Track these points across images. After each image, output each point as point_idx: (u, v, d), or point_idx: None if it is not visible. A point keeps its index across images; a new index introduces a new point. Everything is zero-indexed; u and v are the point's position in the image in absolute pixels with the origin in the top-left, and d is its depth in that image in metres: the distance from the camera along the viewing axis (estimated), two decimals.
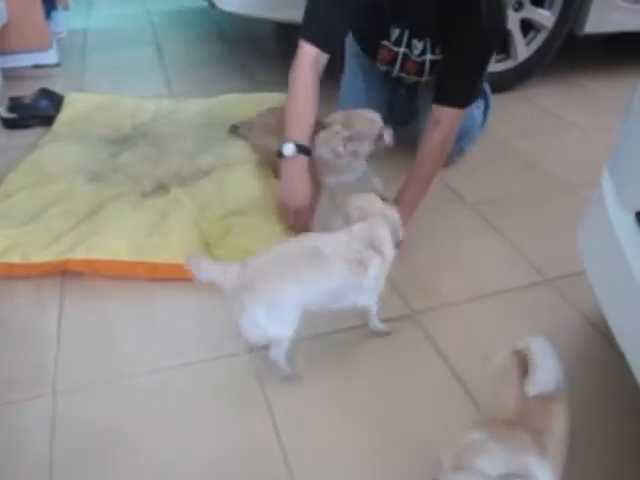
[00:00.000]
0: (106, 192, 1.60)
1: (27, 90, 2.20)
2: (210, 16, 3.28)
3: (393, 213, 1.24)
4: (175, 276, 1.40)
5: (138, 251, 1.40)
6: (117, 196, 1.59)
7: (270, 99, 2.07)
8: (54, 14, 2.84)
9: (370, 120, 1.47)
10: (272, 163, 1.65)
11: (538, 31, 2.35)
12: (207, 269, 1.09)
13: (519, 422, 0.88)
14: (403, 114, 1.96)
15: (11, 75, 2.44)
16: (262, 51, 2.97)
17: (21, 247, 1.39)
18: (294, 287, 1.11)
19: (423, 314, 1.36)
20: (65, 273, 1.42)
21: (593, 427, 1.12)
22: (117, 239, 1.41)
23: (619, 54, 2.80)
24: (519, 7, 2.29)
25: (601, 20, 2.37)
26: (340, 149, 1.41)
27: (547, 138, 2.15)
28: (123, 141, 1.91)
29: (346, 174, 1.50)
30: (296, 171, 1.40)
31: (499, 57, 2.33)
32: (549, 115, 2.32)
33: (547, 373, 0.93)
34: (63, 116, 2.07)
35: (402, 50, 1.66)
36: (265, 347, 1.25)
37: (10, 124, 2.10)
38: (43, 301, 1.37)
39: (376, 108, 1.88)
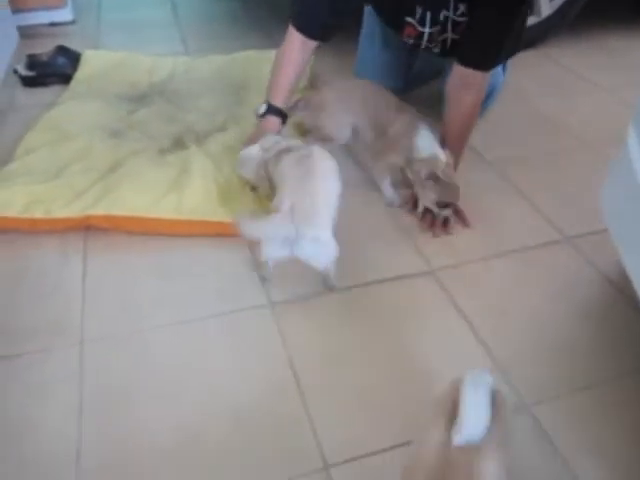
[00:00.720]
0: (124, 149, 1.61)
1: (44, 48, 2.18)
2: None
3: None
4: (194, 232, 1.42)
5: (157, 207, 1.41)
6: (135, 153, 1.59)
7: None
8: None
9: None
10: None
11: None
12: (257, 227, 1.19)
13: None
14: (425, 72, 1.93)
15: (28, 33, 2.42)
16: (278, 8, 2.90)
17: (44, 203, 1.41)
18: (329, 199, 1.23)
19: (442, 271, 1.37)
20: (88, 229, 1.44)
21: (609, 384, 1.13)
22: (136, 195, 1.42)
23: None
24: None
25: None
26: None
27: (569, 96, 2.11)
28: (140, 99, 1.91)
29: None
30: (265, 128, 1.49)
31: None
32: (571, 73, 2.27)
33: (475, 420, 0.79)
34: (80, 74, 2.06)
35: (427, 31, 1.61)
36: (287, 300, 1.28)
37: (28, 82, 2.10)
38: (67, 256, 1.39)
39: (394, 71, 1.87)
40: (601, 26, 2.59)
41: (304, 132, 1.67)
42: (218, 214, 1.42)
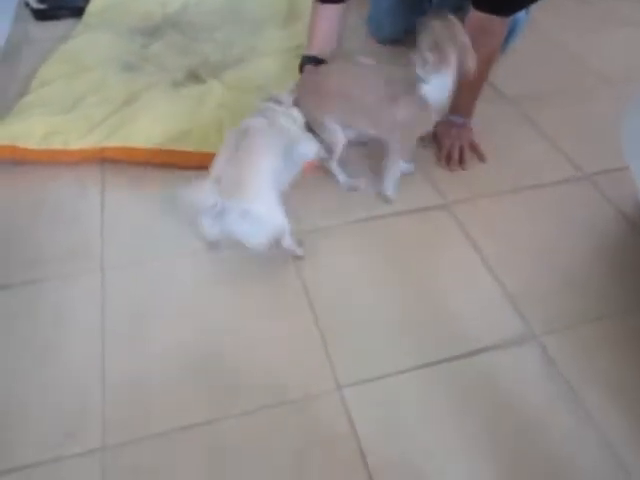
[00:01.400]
0: (139, 81, 1.60)
1: None
2: None
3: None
4: (209, 164, 1.42)
5: (172, 139, 1.41)
6: (150, 85, 1.58)
7: None
8: None
9: None
10: None
11: None
12: (187, 196, 1.10)
13: None
14: (444, 8, 1.87)
15: None
16: None
17: (62, 134, 1.42)
18: (261, 172, 1.12)
19: (457, 204, 1.37)
20: (104, 161, 1.45)
21: (619, 317, 1.15)
22: (152, 127, 1.42)
23: None
24: None
25: None
26: None
27: (594, 33, 2.03)
28: (153, 31, 1.88)
29: None
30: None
31: None
32: (598, 9, 2.18)
33: None
34: (93, 6, 2.02)
35: None
36: (303, 230, 1.29)
37: (40, 15, 2.07)
38: (86, 188, 1.41)
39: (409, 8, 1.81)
40: None
41: None
42: None
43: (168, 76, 1.64)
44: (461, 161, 1.46)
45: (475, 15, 1.35)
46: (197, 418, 0.99)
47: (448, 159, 1.46)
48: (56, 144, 1.41)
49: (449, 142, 1.46)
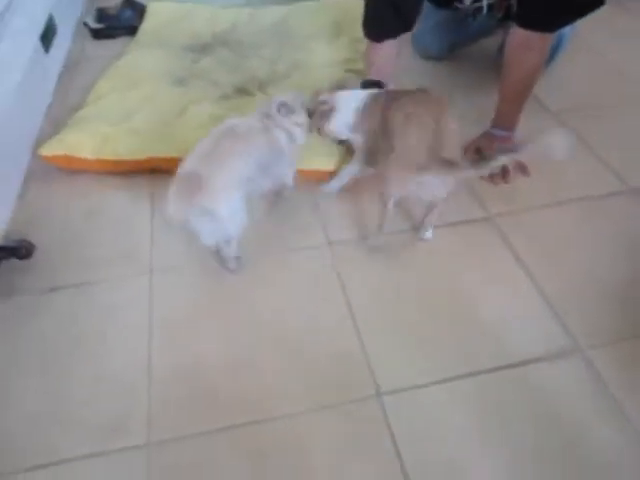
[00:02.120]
0: (189, 96, 1.66)
1: (111, 1, 2.25)
2: None
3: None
4: None
5: None
6: (200, 98, 1.64)
7: (352, 7, 2.02)
8: None
9: None
10: None
11: None
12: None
13: None
14: (483, 27, 1.88)
15: None
16: None
17: (112, 145, 1.48)
18: (229, 175, 1.12)
19: (501, 217, 1.37)
20: (153, 171, 1.51)
21: None
22: (198, 137, 1.46)
23: None
24: None
25: None
26: None
27: (638, 45, 2.01)
28: (203, 48, 1.95)
29: None
30: None
31: None
32: None
33: None
34: (146, 25, 2.11)
35: (486, 2, 1.57)
36: (345, 241, 1.31)
37: (97, 34, 2.17)
38: (136, 195, 1.47)
39: (447, 34, 1.82)
40: None
41: None
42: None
43: (217, 91, 1.69)
44: (504, 175, 1.45)
45: (518, 32, 1.36)
46: (240, 419, 1.02)
47: (491, 173, 1.46)
48: (108, 154, 1.48)
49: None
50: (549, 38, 1.38)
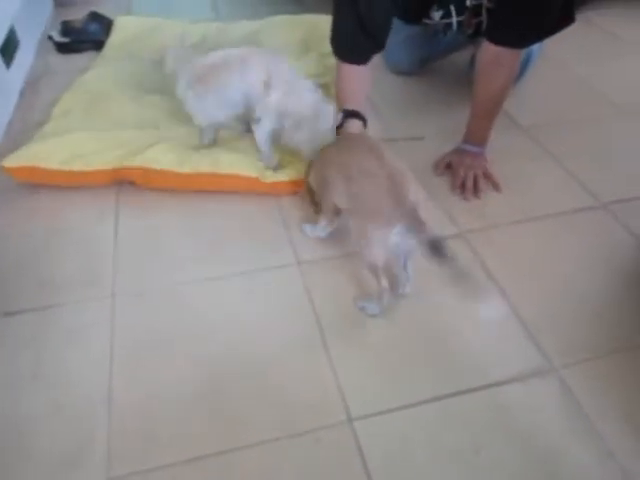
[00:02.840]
0: (158, 108, 1.63)
1: (77, 15, 2.20)
2: None
3: None
4: (225, 188, 1.44)
5: (187, 162, 1.43)
6: (169, 112, 1.61)
7: (321, 22, 2.01)
8: None
9: None
10: None
11: None
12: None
13: None
14: (454, 42, 1.89)
15: (62, 0, 2.44)
16: None
17: (81, 157, 1.44)
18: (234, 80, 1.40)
19: (472, 233, 1.35)
20: (120, 187, 1.47)
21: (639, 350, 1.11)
22: (170, 150, 1.44)
23: None
24: None
25: None
26: None
27: (608, 62, 2.03)
28: None
29: None
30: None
31: None
32: (611, 37, 2.19)
33: None
34: (113, 39, 2.07)
35: (455, 20, 1.58)
36: (314, 260, 1.28)
37: (63, 48, 2.12)
38: (101, 212, 1.42)
39: (418, 48, 1.83)
40: None
41: None
42: (253, 169, 1.43)
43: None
44: (475, 190, 1.44)
45: (489, 48, 1.36)
46: (205, 450, 0.97)
47: (462, 188, 1.45)
48: (75, 166, 1.43)
49: (463, 171, 1.46)
50: (519, 54, 1.39)
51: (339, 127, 1.35)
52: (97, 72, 1.84)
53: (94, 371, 1.08)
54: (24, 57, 1.97)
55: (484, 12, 1.53)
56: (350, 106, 1.37)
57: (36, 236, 1.36)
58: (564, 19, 1.30)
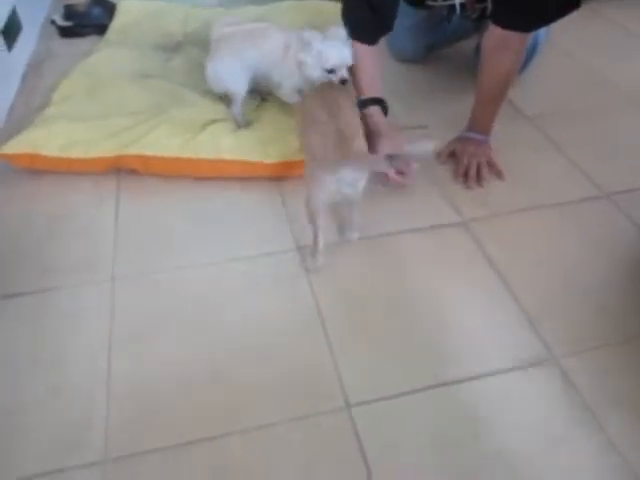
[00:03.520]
0: (159, 94, 1.61)
1: None
2: None
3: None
4: (224, 174, 1.43)
5: (189, 147, 1.42)
6: (170, 98, 1.59)
7: (325, 8, 2.00)
8: None
9: None
10: None
11: None
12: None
13: None
14: (459, 30, 1.87)
15: None
16: None
17: (81, 144, 1.43)
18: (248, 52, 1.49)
19: (475, 222, 1.34)
20: (120, 171, 1.46)
21: None
22: (171, 136, 1.43)
23: None
24: None
25: None
26: None
27: (615, 53, 2.01)
28: (175, 48, 1.90)
29: None
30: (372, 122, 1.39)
31: None
32: (620, 29, 2.16)
33: None
34: (116, 23, 2.06)
35: (458, 1, 1.56)
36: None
37: (66, 32, 2.11)
38: (101, 198, 1.42)
39: (423, 35, 1.80)
40: None
41: None
42: (254, 154, 1.43)
43: (187, 90, 1.64)
44: (479, 178, 1.43)
45: (495, 31, 1.34)
46: (202, 433, 0.97)
47: (465, 176, 1.43)
48: (75, 153, 1.42)
49: (467, 159, 1.44)
50: (525, 38, 1.37)
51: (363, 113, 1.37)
52: (99, 56, 1.83)
53: (93, 354, 1.08)
54: (27, 41, 1.95)
55: None
56: (371, 93, 1.40)
57: (36, 220, 1.35)
58: (570, 3, 1.28)
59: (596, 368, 1.05)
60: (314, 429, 0.97)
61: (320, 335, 1.11)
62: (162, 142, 1.43)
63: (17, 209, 1.39)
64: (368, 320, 1.14)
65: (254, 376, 1.05)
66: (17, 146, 1.43)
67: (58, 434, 0.97)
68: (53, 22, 2.12)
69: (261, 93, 1.62)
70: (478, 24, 1.71)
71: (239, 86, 1.51)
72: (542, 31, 1.76)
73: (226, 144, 1.44)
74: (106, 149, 1.42)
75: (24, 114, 1.65)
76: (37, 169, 1.45)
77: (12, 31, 1.81)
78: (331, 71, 1.38)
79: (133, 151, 1.41)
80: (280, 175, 1.44)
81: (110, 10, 2.13)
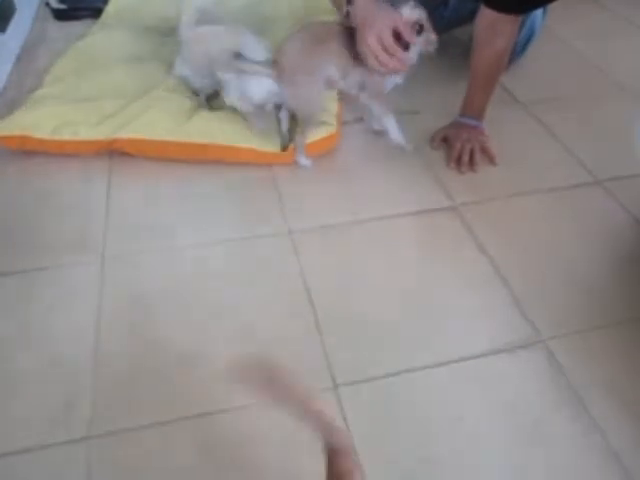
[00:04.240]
0: (152, 77, 1.61)
1: None
2: None
3: None
4: (216, 157, 1.43)
5: (182, 130, 1.41)
6: (163, 81, 1.59)
7: None
8: None
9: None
10: None
11: None
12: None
13: None
14: (456, 16, 1.86)
15: None
16: None
17: (72, 126, 1.42)
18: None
19: (466, 207, 1.34)
20: (113, 154, 1.45)
21: (627, 325, 1.10)
22: (163, 119, 1.43)
23: None
24: None
25: None
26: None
27: (613, 41, 2.00)
28: (170, 32, 1.88)
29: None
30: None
31: None
32: (619, 18, 2.15)
33: None
34: (111, 7, 2.04)
35: None
36: (305, 229, 1.27)
37: (60, 15, 2.09)
38: (92, 179, 1.41)
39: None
40: None
41: None
42: (247, 140, 1.42)
43: None
44: (471, 163, 1.43)
45: (486, 13, 1.34)
46: (189, 411, 0.97)
47: (458, 161, 1.43)
48: (66, 135, 1.42)
49: (460, 144, 1.44)
50: (516, 22, 1.37)
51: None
52: (92, 39, 1.81)
53: (81, 333, 1.08)
54: (21, 23, 1.94)
55: None
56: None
57: (27, 199, 1.35)
58: None
59: (582, 351, 1.05)
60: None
61: (310, 316, 1.11)
62: (154, 125, 1.42)
63: (7, 188, 1.38)
64: (357, 301, 1.14)
65: (239, 355, 1.04)
66: (7, 127, 1.43)
67: (45, 410, 0.97)
68: (48, 4, 2.10)
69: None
70: (474, 9, 1.69)
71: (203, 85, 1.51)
72: (539, 17, 1.76)
73: (219, 128, 1.43)
74: (97, 132, 1.42)
75: (16, 96, 1.64)
76: (28, 150, 1.44)
77: (6, 13, 1.80)
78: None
79: (124, 134, 1.40)
80: (273, 162, 1.44)
81: None
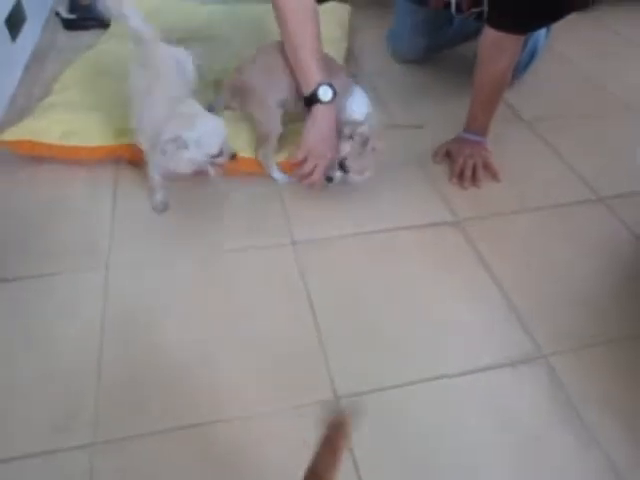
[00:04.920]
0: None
1: None
2: None
3: None
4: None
5: None
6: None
7: (325, 9, 2.01)
8: None
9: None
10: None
11: None
12: None
13: None
14: (460, 33, 1.88)
15: None
16: None
17: (79, 134, 1.44)
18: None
19: (468, 222, 1.35)
20: (119, 162, 1.47)
21: (627, 342, 1.12)
22: None
23: None
24: None
25: None
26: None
27: (615, 60, 2.03)
28: (177, 43, 1.91)
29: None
30: (332, 118, 1.29)
31: None
32: (620, 38, 2.18)
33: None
34: None
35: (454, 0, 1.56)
36: (309, 240, 1.28)
37: (69, 25, 2.12)
38: (99, 186, 1.42)
39: (427, 29, 1.82)
40: None
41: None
42: (249, 150, 1.43)
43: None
44: (474, 179, 1.44)
45: (489, 32, 1.36)
46: (191, 420, 0.97)
47: (460, 176, 1.45)
48: (73, 141, 1.43)
49: (462, 159, 1.45)
50: (519, 41, 1.39)
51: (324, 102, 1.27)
52: (101, 49, 1.84)
53: (84, 340, 1.08)
54: (31, 32, 1.96)
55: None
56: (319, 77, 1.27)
57: (34, 207, 1.36)
58: (565, 6, 1.30)
59: (583, 367, 1.06)
60: (300, 419, 0.98)
61: (311, 328, 1.12)
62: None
63: (17, 195, 1.39)
64: (359, 314, 1.15)
65: (243, 364, 1.05)
66: (17, 133, 1.44)
67: (48, 416, 0.97)
68: (57, 14, 2.13)
69: None
70: (479, 26, 1.72)
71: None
72: (542, 36, 1.78)
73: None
74: (105, 138, 1.43)
75: (25, 104, 1.65)
76: (37, 156, 1.46)
77: (16, 21, 1.82)
78: (217, 155, 1.24)
79: (130, 141, 1.41)
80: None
81: None
